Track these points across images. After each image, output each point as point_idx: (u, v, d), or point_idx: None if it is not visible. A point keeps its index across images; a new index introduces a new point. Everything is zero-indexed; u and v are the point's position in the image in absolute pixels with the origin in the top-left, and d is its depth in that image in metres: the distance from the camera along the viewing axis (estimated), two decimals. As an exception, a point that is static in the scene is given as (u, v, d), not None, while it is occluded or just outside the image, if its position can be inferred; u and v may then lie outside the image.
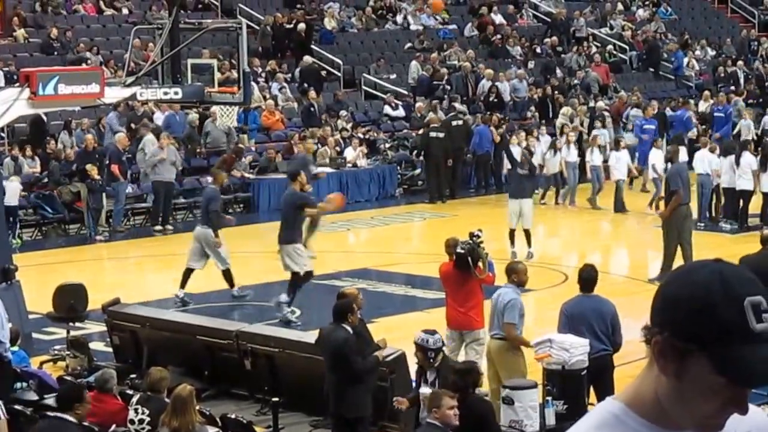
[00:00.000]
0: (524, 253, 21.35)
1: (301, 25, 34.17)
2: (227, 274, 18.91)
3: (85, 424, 9.63)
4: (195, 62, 18.57)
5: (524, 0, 41.15)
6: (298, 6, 35.94)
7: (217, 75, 18.03)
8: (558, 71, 36.69)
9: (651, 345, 2.40)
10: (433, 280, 16.10)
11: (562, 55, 38.31)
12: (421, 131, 30.39)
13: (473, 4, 39.65)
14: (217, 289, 19.87)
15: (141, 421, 10.34)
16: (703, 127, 31.88)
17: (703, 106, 34.30)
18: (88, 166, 24.58)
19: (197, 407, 10.35)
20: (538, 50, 38.28)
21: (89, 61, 28.97)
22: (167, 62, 16.88)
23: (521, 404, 11.49)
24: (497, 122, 30.65)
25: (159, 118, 28.65)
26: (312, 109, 30.89)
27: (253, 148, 29.32)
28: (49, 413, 9.48)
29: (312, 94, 31.31)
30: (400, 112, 32.91)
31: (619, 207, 26.61)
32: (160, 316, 15.46)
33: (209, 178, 23.77)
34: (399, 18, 38.01)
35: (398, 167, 30.08)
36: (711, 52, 41.37)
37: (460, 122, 29.93)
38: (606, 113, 32.15)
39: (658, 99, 34.89)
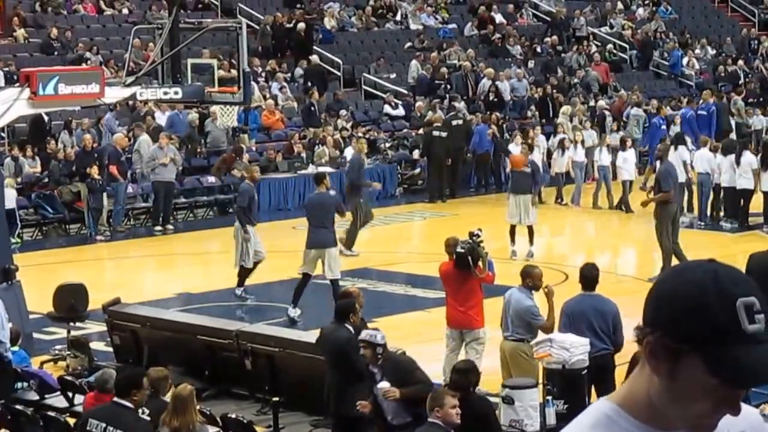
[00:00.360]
0: (525, 251, 21.36)
1: (301, 25, 34.17)
2: (243, 272, 18.89)
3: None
4: (195, 62, 18.58)
5: (524, -1, 41.19)
6: (298, 6, 35.94)
7: (220, 73, 18.03)
8: (558, 70, 36.68)
9: (643, 345, 2.38)
10: (433, 279, 16.09)
11: (562, 55, 38.31)
12: (421, 131, 30.40)
13: (473, 3, 39.64)
14: (217, 289, 19.89)
15: (141, 421, 10.33)
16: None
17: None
18: (89, 167, 24.59)
19: (197, 407, 10.35)
20: (538, 49, 38.28)
21: (89, 61, 28.97)
22: (167, 62, 16.89)
23: (521, 404, 11.49)
24: (497, 121, 30.67)
25: (161, 117, 28.65)
26: (312, 108, 30.91)
27: (254, 148, 29.31)
28: (111, 399, 9.51)
29: (315, 94, 31.34)
30: (400, 112, 32.91)
31: (625, 207, 26.43)
32: (161, 315, 15.46)
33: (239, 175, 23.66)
34: (399, 17, 38.00)
35: (398, 167, 30.07)
36: (711, 51, 41.36)
37: (460, 121, 29.93)
38: (606, 112, 32.18)
39: (658, 98, 34.89)
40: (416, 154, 30.31)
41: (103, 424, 9.16)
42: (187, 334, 14.46)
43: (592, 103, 33.69)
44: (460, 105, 31.77)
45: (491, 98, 33.48)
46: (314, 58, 33.56)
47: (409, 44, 36.67)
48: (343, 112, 31.28)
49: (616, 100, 34.53)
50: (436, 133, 28.93)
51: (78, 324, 16.24)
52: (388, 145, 30.61)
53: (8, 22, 27.38)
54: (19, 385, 13.36)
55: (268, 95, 31.26)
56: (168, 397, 10.26)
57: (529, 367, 12.42)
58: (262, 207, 27.13)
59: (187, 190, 27.11)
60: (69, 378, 13.11)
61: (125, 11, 33.95)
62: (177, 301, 19.03)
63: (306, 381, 12.82)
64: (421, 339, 16.07)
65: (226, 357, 14.03)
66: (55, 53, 30.15)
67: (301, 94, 32.62)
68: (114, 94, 16.65)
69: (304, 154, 28.62)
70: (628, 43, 40.34)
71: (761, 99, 36.81)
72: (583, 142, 28.69)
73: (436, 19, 38.62)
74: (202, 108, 26.87)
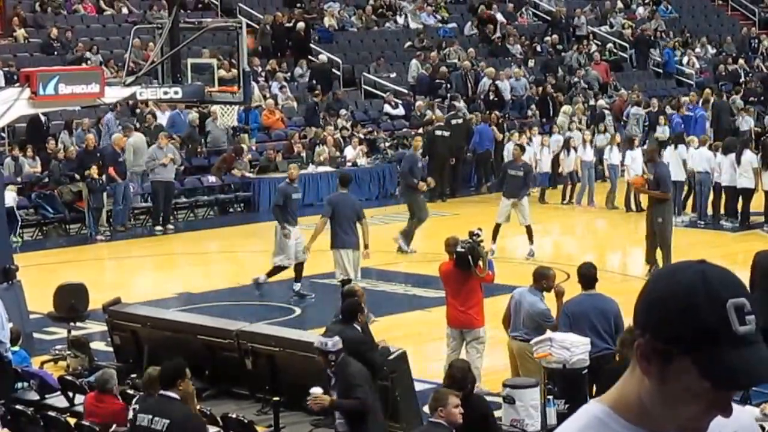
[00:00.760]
0: (526, 251, 21.37)
1: (301, 24, 34.16)
2: (276, 269, 18.85)
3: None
4: (195, 62, 18.58)
5: (524, -2, 41.19)
6: (298, 5, 35.94)
7: (220, 72, 18.02)
8: (558, 70, 36.68)
9: (634, 347, 2.37)
10: (434, 279, 16.09)
11: (562, 54, 38.30)
12: (422, 129, 30.39)
13: (473, 2, 39.63)
14: (217, 288, 19.89)
15: (138, 420, 10.35)
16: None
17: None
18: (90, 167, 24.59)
19: (198, 407, 10.35)
20: (539, 48, 38.27)
21: (89, 61, 28.96)
22: (167, 62, 16.88)
23: (522, 403, 11.49)
24: (497, 120, 30.67)
25: (162, 117, 28.64)
26: (316, 108, 30.95)
27: (254, 148, 29.32)
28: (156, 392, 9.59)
29: (320, 94, 31.37)
30: (400, 111, 32.91)
31: (636, 205, 26.36)
32: (161, 315, 15.45)
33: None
34: (399, 17, 37.99)
35: (398, 166, 30.04)
36: (711, 50, 41.36)
37: (460, 120, 29.93)
38: (606, 111, 32.17)
39: (659, 97, 34.89)
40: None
41: (150, 416, 9.27)
42: (188, 334, 14.45)
43: (592, 102, 33.68)
44: (461, 104, 31.77)
45: (491, 98, 33.48)
46: (322, 57, 33.60)
47: (409, 43, 36.67)
48: (343, 111, 31.28)
49: (616, 100, 34.53)
50: (438, 132, 28.93)
51: (78, 324, 16.24)
52: (387, 144, 30.61)
53: (8, 22, 27.38)
54: (20, 385, 13.36)
55: (268, 95, 31.27)
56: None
57: (536, 367, 12.41)
58: (261, 206, 27.19)
59: (187, 189, 27.11)
60: (69, 378, 13.11)
61: (125, 11, 33.95)
62: (177, 301, 19.03)
63: (306, 380, 12.80)
64: (421, 338, 16.08)
65: (227, 357, 14.01)
66: (55, 53, 30.15)
67: (302, 93, 32.63)
68: (114, 94, 16.65)
69: (303, 154, 28.62)
70: (628, 42, 40.34)
71: (762, 98, 36.81)
72: (591, 141, 28.70)
73: (436, 18, 38.62)
74: (202, 108, 26.86)
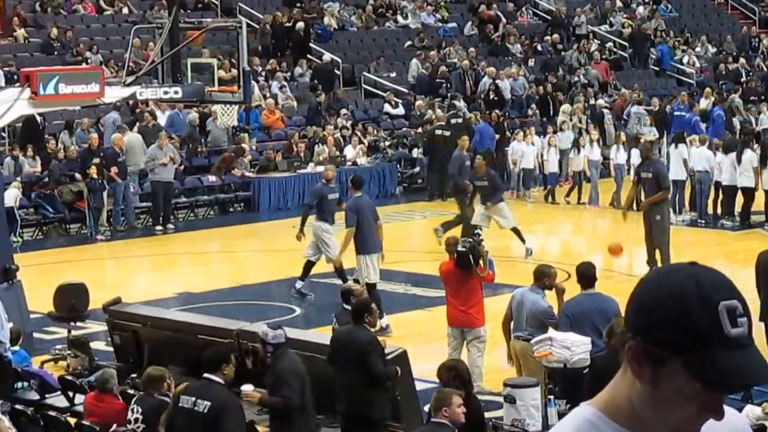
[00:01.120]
0: (522, 251, 21.36)
1: (301, 24, 34.15)
2: (308, 265, 18.82)
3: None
4: (195, 61, 18.58)
5: (524, -2, 41.18)
6: (298, 5, 35.93)
7: (220, 72, 18.02)
8: (558, 69, 36.67)
9: (625, 350, 2.36)
10: (434, 278, 16.08)
11: (562, 53, 38.30)
12: (420, 129, 30.38)
13: (473, 2, 39.62)
14: (217, 288, 19.88)
15: (136, 420, 10.36)
16: (704, 124, 31.79)
17: (704, 104, 34.23)
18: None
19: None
20: (539, 48, 38.27)
21: (89, 61, 28.96)
22: (167, 62, 16.88)
23: (523, 403, 11.47)
24: (497, 119, 30.67)
25: (162, 117, 28.64)
26: (319, 107, 30.97)
27: (254, 147, 29.31)
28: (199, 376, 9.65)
29: (323, 94, 31.36)
30: (400, 111, 32.90)
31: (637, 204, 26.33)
32: (161, 315, 15.44)
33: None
34: (399, 16, 37.99)
35: (398, 165, 30.07)
36: (712, 49, 41.35)
37: (459, 120, 29.93)
38: (605, 110, 32.15)
39: (659, 96, 34.87)
40: (416, 152, 30.30)
41: (193, 398, 9.37)
42: (188, 333, 14.44)
43: (591, 101, 33.68)
44: (461, 104, 31.76)
45: (491, 97, 33.47)
46: (326, 57, 33.60)
47: (408, 43, 36.67)
48: (343, 111, 31.28)
49: (617, 99, 34.51)
50: (438, 131, 28.91)
51: (78, 324, 16.24)
52: (387, 143, 30.61)
53: (8, 22, 27.37)
54: (20, 384, 13.36)
55: (268, 94, 31.27)
56: (166, 397, 10.29)
57: (538, 367, 12.41)
58: (261, 206, 27.20)
59: (187, 189, 27.11)
60: (69, 378, 13.10)
61: (125, 11, 33.96)
62: (177, 301, 19.03)
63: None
64: (422, 338, 16.08)
65: (227, 356, 13.99)
66: (55, 53, 30.14)
67: (302, 93, 32.63)
68: (114, 94, 16.65)
69: (303, 154, 28.62)
70: (627, 40, 40.32)
71: (763, 97, 36.77)
72: (599, 140, 28.68)
73: (436, 17, 38.61)
74: (202, 107, 26.85)
